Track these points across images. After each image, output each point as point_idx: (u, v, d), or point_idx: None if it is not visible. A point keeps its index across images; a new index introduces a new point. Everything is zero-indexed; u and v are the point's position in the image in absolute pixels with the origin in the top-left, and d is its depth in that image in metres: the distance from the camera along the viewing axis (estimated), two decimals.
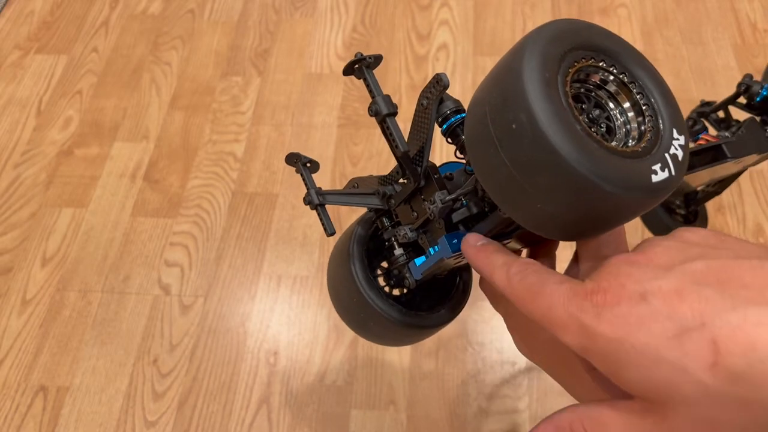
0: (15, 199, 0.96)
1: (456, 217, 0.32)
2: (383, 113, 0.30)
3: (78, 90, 1.08)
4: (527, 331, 0.34)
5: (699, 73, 1.02)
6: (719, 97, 1.00)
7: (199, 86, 1.07)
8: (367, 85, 0.30)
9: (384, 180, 0.38)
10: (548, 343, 0.33)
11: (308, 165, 0.40)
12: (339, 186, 0.94)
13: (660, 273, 0.24)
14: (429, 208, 0.31)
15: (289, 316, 0.83)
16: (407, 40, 1.09)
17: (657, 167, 0.25)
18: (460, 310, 0.41)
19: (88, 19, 1.17)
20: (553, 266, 0.38)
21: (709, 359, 0.21)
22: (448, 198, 0.31)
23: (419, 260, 0.34)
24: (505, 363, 0.77)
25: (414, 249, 0.39)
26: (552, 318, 0.25)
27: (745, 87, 0.54)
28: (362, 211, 0.41)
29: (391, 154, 1.04)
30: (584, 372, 0.31)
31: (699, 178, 0.56)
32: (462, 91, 1.02)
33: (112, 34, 1.15)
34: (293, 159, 0.39)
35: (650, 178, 0.25)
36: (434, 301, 0.40)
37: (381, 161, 0.96)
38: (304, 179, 0.39)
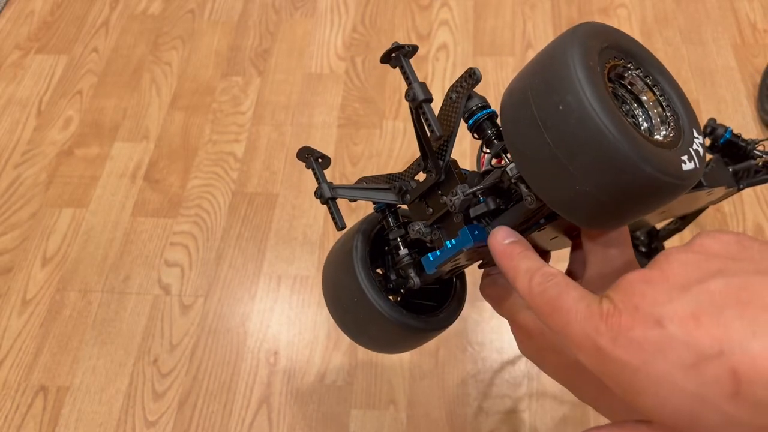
0: (15, 199, 0.96)
1: (474, 212, 0.32)
2: (420, 99, 0.30)
3: (78, 90, 1.08)
4: (531, 338, 0.34)
5: (699, 73, 1.02)
6: (719, 97, 1.00)
7: (200, 86, 1.07)
8: (404, 73, 0.31)
9: (395, 177, 0.38)
10: (553, 350, 0.33)
11: (320, 160, 0.40)
12: None
13: (676, 294, 0.23)
14: (450, 200, 0.32)
15: (289, 316, 0.83)
16: (407, 40, 1.09)
17: (685, 158, 0.27)
18: (458, 316, 0.41)
19: (88, 19, 1.18)
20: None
21: (730, 389, 0.20)
22: (470, 191, 0.32)
23: (433, 255, 0.34)
24: (505, 363, 0.77)
25: (419, 250, 0.39)
26: (568, 335, 0.25)
27: (710, 129, 0.56)
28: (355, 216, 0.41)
29: (392, 155, 1.04)
30: (591, 383, 0.30)
31: (657, 217, 0.58)
32: None
33: (113, 34, 1.15)
34: (305, 153, 0.39)
35: (681, 166, 0.26)
36: (430, 306, 0.40)
37: (381, 161, 0.96)
38: (315, 173, 0.39)
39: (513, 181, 0.30)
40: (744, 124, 0.96)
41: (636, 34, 1.08)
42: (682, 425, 0.22)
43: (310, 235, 0.89)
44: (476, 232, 0.32)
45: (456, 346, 0.79)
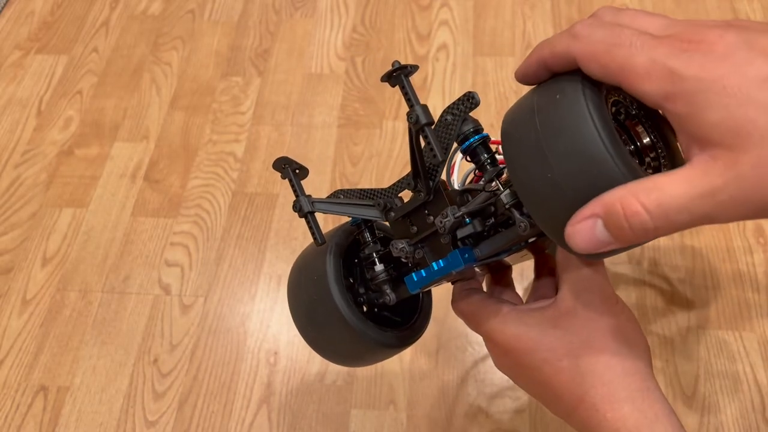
0: (15, 199, 0.96)
1: (461, 233, 0.33)
2: (422, 123, 0.30)
3: (78, 90, 1.08)
4: (506, 354, 0.35)
5: None
6: None
7: (200, 86, 1.07)
8: (405, 94, 0.31)
9: (377, 193, 0.38)
10: (527, 366, 0.33)
11: (297, 171, 0.38)
12: (339, 187, 0.94)
13: (741, 32, 0.24)
14: (441, 221, 0.32)
15: (289, 316, 0.83)
16: (407, 40, 1.09)
17: None
18: (424, 331, 0.41)
19: (88, 19, 1.18)
20: (514, 294, 0.39)
21: None
22: (459, 213, 0.32)
23: (417, 275, 0.34)
24: None
25: (395, 266, 0.39)
26: (631, 67, 0.25)
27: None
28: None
29: (392, 155, 1.04)
30: (564, 391, 0.31)
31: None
32: (462, 91, 1.02)
33: (113, 34, 1.15)
34: (282, 164, 0.38)
35: None
36: (394, 319, 0.40)
37: (381, 161, 0.96)
38: (293, 185, 0.38)
39: (507, 207, 0.30)
40: None
41: None
42: (738, 139, 0.22)
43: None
44: (466, 255, 0.32)
45: (456, 346, 0.79)
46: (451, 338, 0.79)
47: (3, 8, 1.20)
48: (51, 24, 1.17)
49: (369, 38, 1.11)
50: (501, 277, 0.40)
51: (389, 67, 0.31)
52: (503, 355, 0.35)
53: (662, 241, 0.84)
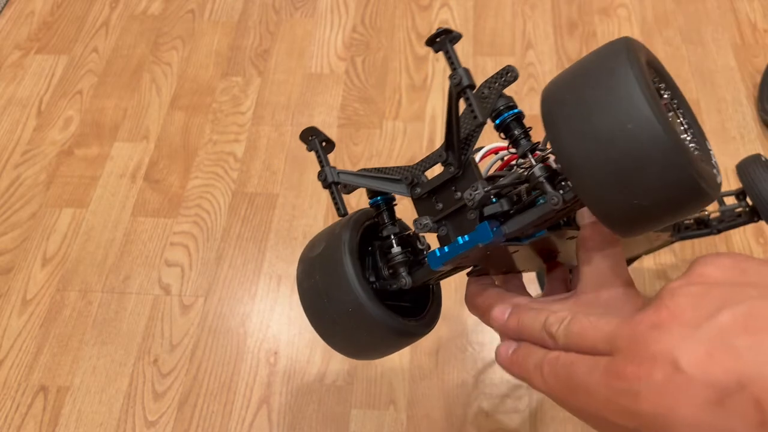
0: (15, 199, 0.96)
1: (488, 211, 0.32)
2: (465, 84, 0.30)
3: (78, 90, 1.08)
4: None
5: (699, 73, 1.02)
6: (719, 97, 1.00)
7: (200, 86, 1.07)
8: (448, 58, 0.31)
9: (403, 169, 0.37)
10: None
11: (324, 144, 0.38)
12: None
13: (687, 333, 0.23)
14: (471, 194, 0.31)
15: (289, 316, 0.83)
16: (407, 40, 1.09)
17: (715, 171, 0.29)
18: (437, 321, 0.40)
19: (88, 19, 1.18)
20: (521, 286, 0.39)
21: (756, 419, 0.21)
22: (489, 187, 0.31)
23: (440, 250, 0.33)
24: None
25: (413, 250, 0.38)
26: (595, 410, 0.25)
27: None
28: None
29: (392, 155, 1.04)
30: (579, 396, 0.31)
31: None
32: None
33: (113, 34, 1.15)
34: (309, 134, 0.37)
35: (716, 178, 0.28)
36: (404, 307, 0.39)
37: (381, 161, 0.96)
38: (318, 157, 0.38)
39: (540, 180, 0.30)
40: (744, 124, 0.96)
41: (636, 34, 1.08)
42: None
43: (311, 235, 0.89)
44: (494, 228, 0.32)
45: (456, 346, 0.79)
46: (451, 338, 0.79)
47: (3, 8, 1.20)
48: (51, 24, 1.17)
49: (369, 38, 1.11)
50: (512, 278, 0.40)
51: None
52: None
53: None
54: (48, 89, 1.08)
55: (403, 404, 0.75)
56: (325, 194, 0.93)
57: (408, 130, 0.98)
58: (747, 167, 0.56)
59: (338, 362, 0.79)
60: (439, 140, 0.96)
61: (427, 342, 0.79)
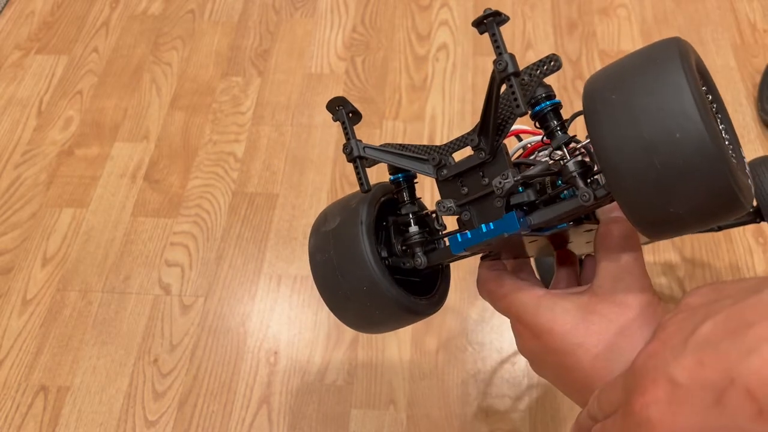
0: (15, 199, 0.96)
1: (515, 200, 0.32)
2: (510, 71, 0.29)
3: (78, 90, 1.08)
4: (537, 337, 0.34)
5: None
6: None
7: (200, 86, 1.07)
8: (494, 41, 0.30)
9: (431, 149, 0.36)
10: (557, 352, 0.33)
11: (351, 115, 0.37)
12: (339, 186, 0.94)
13: (678, 351, 0.25)
14: (500, 182, 0.31)
15: (289, 316, 0.83)
16: (407, 40, 1.09)
17: (749, 182, 0.29)
18: (445, 300, 0.40)
19: (88, 19, 1.18)
20: (536, 281, 0.39)
21: (753, 409, 0.22)
22: (519, 176, 0.31)
23: (462, 236, 0.33)
24: (505, 363, 0.77)
25: (430, 230, 0.38)
26: None
27: None
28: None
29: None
30: (595, 378, 0.32)
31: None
32: (462, 91, 1.02)
33: (113, 34, 1.15)
34: (336, 104, 0.36)
35: (751, 189, 0.28)
36: (413, 282, 0.39)
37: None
38: (345, 128, 0.36)
39: (573, 175, 0.30)
40: (744, 124, 0.96)
41: (636, 34, 1.08)
42: None
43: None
44: (521, 219, 0.31)
45: (456, 346, 0.79)
46: (451, 338, 0.79)
47: (3, 8, 1.20)
48: (51, 24, 1.17)
49: (369, 38, 1.11)
50: (522, 264, 0.40)
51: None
52: (533, 338, 0.34)
53: (662, 241, 0.84)
54: (48, 89, 1.08)
55: (403, 404, 0.75)
56: (325, 194, 0.93)
57: (408, 130, 0.98)
58: (754, 169, 0.56)
59: (338, 362, 0.79)
60: (439, 140, 0.96)
61: (427, 342, 0.79)
